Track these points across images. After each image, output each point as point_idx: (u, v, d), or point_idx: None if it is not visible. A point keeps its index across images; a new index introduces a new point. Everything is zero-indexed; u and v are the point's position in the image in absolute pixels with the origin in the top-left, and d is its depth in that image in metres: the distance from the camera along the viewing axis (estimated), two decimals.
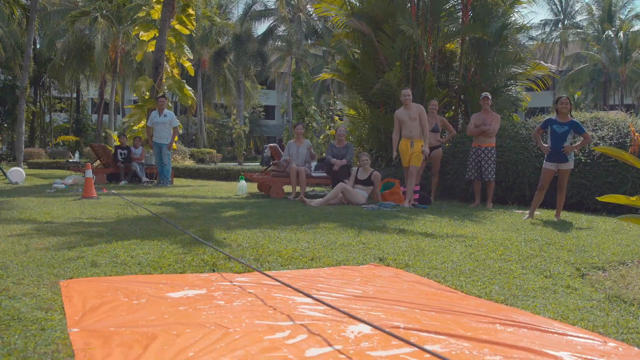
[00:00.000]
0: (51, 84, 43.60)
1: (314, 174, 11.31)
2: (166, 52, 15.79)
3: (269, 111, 62.34)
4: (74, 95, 46.73)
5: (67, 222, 6.82)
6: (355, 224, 6.86)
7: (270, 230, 6.23)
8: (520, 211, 8.90)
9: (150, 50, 16.26)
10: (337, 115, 42.29)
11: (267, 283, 3.87)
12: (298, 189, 11.03)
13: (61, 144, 45.04)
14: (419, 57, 13.16)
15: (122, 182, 14.24)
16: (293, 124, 10.94)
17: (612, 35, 47.34)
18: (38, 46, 40.90)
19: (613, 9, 48.77)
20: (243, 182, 11.50)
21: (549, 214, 8.52)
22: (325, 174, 11.36)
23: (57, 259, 4.45)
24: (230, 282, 3.91)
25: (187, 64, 16.06)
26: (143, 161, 15.08)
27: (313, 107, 37.08)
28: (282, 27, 36.07)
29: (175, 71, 16.14)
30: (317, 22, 35.86)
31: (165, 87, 15.69)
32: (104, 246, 5.03)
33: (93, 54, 31.40)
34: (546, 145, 8.42)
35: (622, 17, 49.41)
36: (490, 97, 10.28)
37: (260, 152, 37.49)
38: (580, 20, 54.04)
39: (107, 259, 4.51)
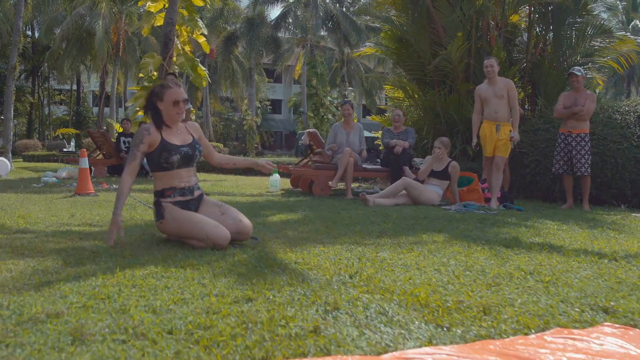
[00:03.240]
0: (50, 74, 41.51)
1: (366, 166, 9.11)
2: (177, 27, 13.55)
3: (276, 105, 60.22)
4: (74, 87, 44.58)
5: (48, 230, 4.65)
6: (469, 236, 4.69)
7: (356, 246, 4.05)
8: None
9: (158, 24, 14.01)
10: (362, 106, 40.34)
11: None
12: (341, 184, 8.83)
13: (60, 137, 42.86)
14: (483, 27, 10.95)
15: None
16: (339, 103, 8.57)
17: None
18: (36, 35, 38.81)
19: None
20: (276, 176, 9.28)
21: None
22: (379, 166, 9.15)
23: (9, 318, 2.26)
24: None
25: (202, 39, 13.81)
26: None
27: (329, 98, 34.95)
28: (297, 12, 33.73)
29: (187, 48, 13.87)
30: (335, 5, 33.58)
31: (176, 66, 13.45)
32: (100, 282, 2.84)
33: (94, 41, 29.19)
34: None
35: None
36: (582, 72, 8.11)
37: (295, 142, 35.01)
38: (601, 12, 51.58)
39: (104, 316, 2.31)
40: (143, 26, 14.25)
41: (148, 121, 13.72)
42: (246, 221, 4.00)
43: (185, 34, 13.90)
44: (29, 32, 39.19)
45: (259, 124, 34.68)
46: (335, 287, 2.83)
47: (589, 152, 8.05)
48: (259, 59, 33.38)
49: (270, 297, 2.58)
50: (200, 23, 13.76)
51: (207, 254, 3.60)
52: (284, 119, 58.72)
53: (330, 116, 34.60)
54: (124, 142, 12.50)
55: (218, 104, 47.66)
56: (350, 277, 3.05)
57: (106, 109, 35.67)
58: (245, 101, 35.45)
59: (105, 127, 31.17)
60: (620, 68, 11.82)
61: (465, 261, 3.59)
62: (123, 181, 3.84)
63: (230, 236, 3.83)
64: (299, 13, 33.37)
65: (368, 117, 17.24)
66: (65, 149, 14.66)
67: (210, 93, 40.99)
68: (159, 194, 4.02)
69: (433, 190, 7.61)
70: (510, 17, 11.43)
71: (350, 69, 41.80)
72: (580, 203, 8.27)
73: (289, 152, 39.79)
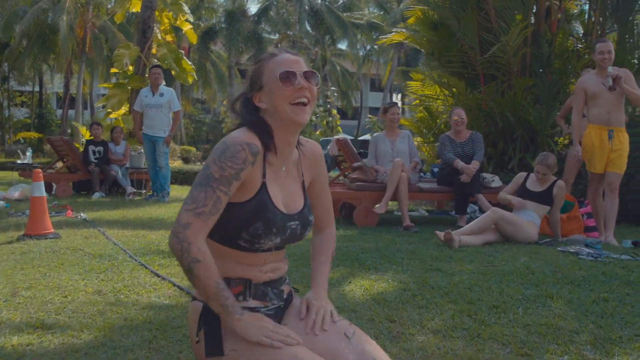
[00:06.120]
0: (10, 74, 38.59)
1: (423, 185, 6.93)
2: (157, 12, 11.26)
3: None
4: (37, 88, 41.65)
5: None
6: None
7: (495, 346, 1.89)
8: None
9: (134, 9, 11.70)
10: (336, 107, 38.01)
11: None
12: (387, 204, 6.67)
13: (22, 141, 39.88)
14: (541, 8, 8.91)
15: (97, 195, 9.58)
16: (383, 107, 6.29)
17: None
18: None
19: None
20: None
21: None
22: (440, 186, 6.99)
23: None
24: None
25: (187, 27, 11.52)
26: (127, 163, 10.40)
27: None
28: (279, 6, 31.34)
29: (169, 38, 11.58)
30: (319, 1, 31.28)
31: (156, 59, 11.14)
32: None
33: (57, 37, 26.60)
34: None
35: None
36: None
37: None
38: None
39: None
40: (116, 12, 11.90)
41: (122, 125, 10.87)
42: (380, 354, 1.77)
43: (167, 21, 11.62)
44: None
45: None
46: None
47: None
48: (240, 56, 30.89)
49: None
50: (186, 8, 11.47)
51: None
52: None
53: (314, 118, 32.33)
54: (94, 151, 10.12)
55: (190, 106, 45.08)
56: None
57: (71, 112, 32.94)
58: (225, 102, 32.86)
59: (70, 131, 28.55)
60: None
61: None
62: (202, 259, 1.67)
63: None
64: (278, 10, 30.98)
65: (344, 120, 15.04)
66: (20, 161, 11.85)
67: (182, 93, 38.40)
68: None
69: (531, 222, 5.49)
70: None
71: (326, 69, 39.58)
72: None
73: None
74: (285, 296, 1.96)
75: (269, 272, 1.88)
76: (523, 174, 5.86)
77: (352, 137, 36.94)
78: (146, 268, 3.88)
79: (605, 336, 2.61)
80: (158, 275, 3.67)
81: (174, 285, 3.43)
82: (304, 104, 1.80)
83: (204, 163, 1.82)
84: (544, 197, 5.58)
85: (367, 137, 31.65)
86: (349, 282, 3.58)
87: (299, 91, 1.78)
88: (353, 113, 48.89)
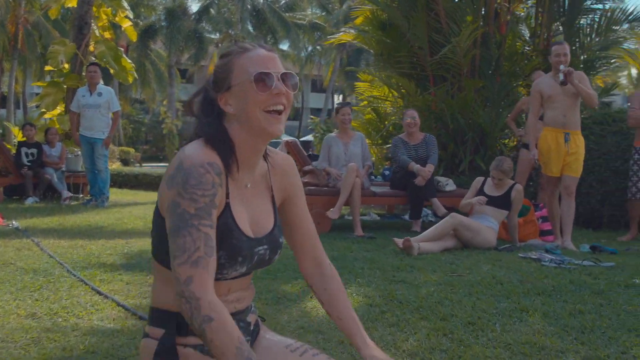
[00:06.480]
0: None
1: (375, 189, 6.73)
2: (94, 8, 10.73)
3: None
4: None
5: None
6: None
7: None
8: None
9: (70, 4, 11.13)
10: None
11: None
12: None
13: None
14: (491, 9, 8.88)
15: (30, 200, 8.98)
16: (336, 107, 6.07)
17: None
18: None
19: None
20: None
21: None
22: (392, 189, 6.79)
23: None
24: None
25: (127, 24, 11.02)
26: (63, 166, 9.82)
27: None
28: (219, 6, 30.76)
29: (108, 35, 11.05)
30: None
31: (94, 57, 10.61)
32: None
33: None
34: None
35: None
36: None
37: None
38: None
39: None
40: (50, 7, 11.30)
41: (57, 126, 10.22)
42: None
43: (105, 17, 11.09)
44: None
45: (179, 128, 31.44)
46: None
47: None
48: (180, 55, 30.18)
49: None
50: (125, 4, 10.98)
51: None
52: (195, 122, 55.65)
53: None
54: (27, 154, 9.53)
55: (128, 106, 43.94)
56: None
57: (2, 111, 31.55)
58: (164, 102, 32.08)
59: (1, 132, 27.33)
60: (637, 64, 10.07)
61: None
62: (215, 316, 1.36)
63: None
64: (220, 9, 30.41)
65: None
66: None
67: (120, 93, 37.33)
68: (171, 322, 1.55)
69: (489, 228, 5.37)
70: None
71: None
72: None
73: None
74: (252, 328, 1.69)
75: (234, 302, 1.60)
76: (480, 179, 5.74)
77: (295, 138, 36.73)
78: (86, 284, 3.52)
79: (593, 355, 2.44)
80: (100, 293, 3.33)
81: (119, 304, 3.10)
82: (279, 112, 1.53)
83: (167, 201, 1.47)
84: (502, 202, 5.47)
85: (309, 137, 31.49)
86: (311, 298, 3.32)
87: (275, 97, 1.51)
88: (294, 114, 48.78)
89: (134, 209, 8.42)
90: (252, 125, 1.52)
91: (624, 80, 38.21)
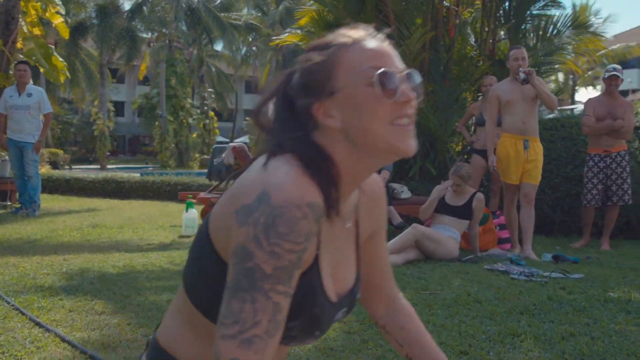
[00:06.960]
0: None
1: None
2: (22, 3, 10.06)
3: (119, 107, 55.32)
4: None
5: None
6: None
7: None
8: None
9: None
10: (212, 109, 36.87)
11: None
12: None
13: None
14: (439, 15, 8.77)
15: None
16: None
17: None
18: None
19: None
20: (193, 212, 6.32)
21: None
22: None
23: None
24: None
25: (58, 20, 10.38)
26: None
27: (189, 100, 31.51)
28: (153, 5, 29.88)
29: (37, 31, 10.39)
30: None
31: (22, 54, 9.95)
32: None
33: None
34: None
35: None
36: (621, 75, 6.25)
37: (209, 159, 31.27)
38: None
39: None
40: None
41: None
42: None
43: (34, 12, 10.43)
44: None
45: (111, 129, 30.39)
46: None
47: (629, 174, 6.18)
48: (112, 54, 29.17)
49: None
50: None
51: None
52: (127, 122, 54.14)
53: (191, 120, 31.27)
54: None
55: (56, 106, 42.32)
56: None
57: None
58: (96, 102, 30.95)
59: None
60: (578, 69, 10.18)
61: None
62: None
63: None
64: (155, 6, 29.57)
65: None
66: None
67: (47, 92, 35.90)
68: None
69: (451, 238, 5.19)
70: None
71: (202, 70, 38.50)
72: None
73: (152, 165, 34.71)
74: None
75: None
76: (438, 188, 5.56)
77: (229, 140, 36.15)
78: (23, 314, 3.10)
79: None
80: (40, 325, 2.91)
81: (63, 340, 2.70)
82: (407, 125, 1.12)
83: (235, 243, 1.00)
84: (463, 212, 5.30)
85: (245, 139, 31.11)
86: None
87: (403, 106, 1.11)
88: (229, 115, 48.15)
89: (68, 219, 7.87)
90: (374, 143, 1.10)
91: (552, 85, 39.37)
